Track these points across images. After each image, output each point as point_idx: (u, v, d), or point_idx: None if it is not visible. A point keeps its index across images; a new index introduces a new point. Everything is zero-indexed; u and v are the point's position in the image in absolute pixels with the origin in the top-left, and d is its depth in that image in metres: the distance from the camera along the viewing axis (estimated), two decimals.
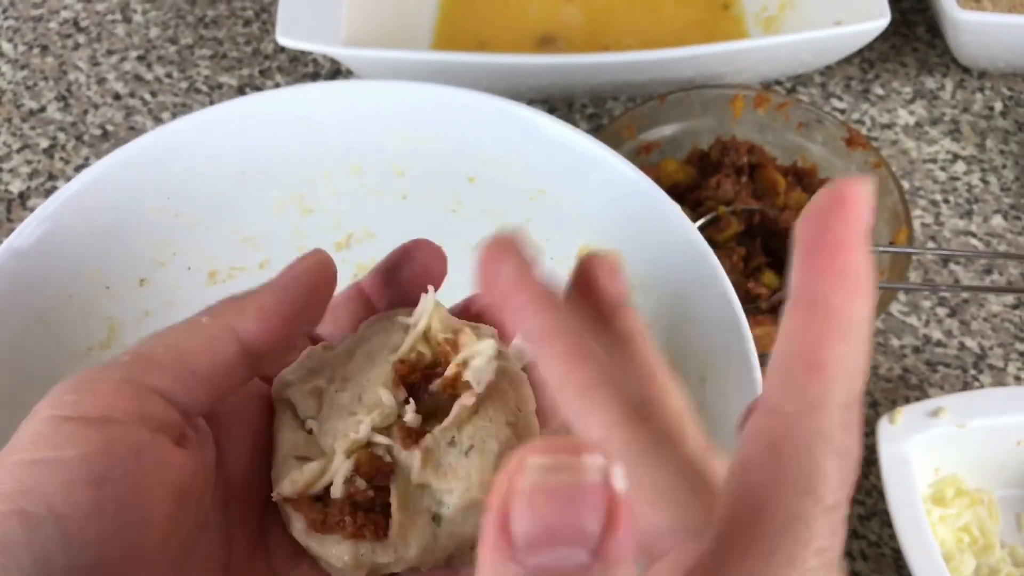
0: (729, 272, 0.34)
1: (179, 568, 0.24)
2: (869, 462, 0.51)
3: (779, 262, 0.53)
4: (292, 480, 0.26)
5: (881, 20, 0.59)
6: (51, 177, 0.61)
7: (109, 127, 0.64)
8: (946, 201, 0.61)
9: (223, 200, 0.40)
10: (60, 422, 0.22)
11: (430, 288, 0.27)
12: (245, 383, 0.26)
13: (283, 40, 0.57)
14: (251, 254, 0.42)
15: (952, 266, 0.58)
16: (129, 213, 0.37)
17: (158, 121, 0.64)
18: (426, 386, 0.27)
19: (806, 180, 0.56)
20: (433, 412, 0.26)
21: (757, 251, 0.54)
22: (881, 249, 0.52)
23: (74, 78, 0.66)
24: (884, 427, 0.46)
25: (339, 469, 0.26)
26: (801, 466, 0.17)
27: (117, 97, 0.65)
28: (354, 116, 0.39)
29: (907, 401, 0.53)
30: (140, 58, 0.68)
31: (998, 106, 0.65)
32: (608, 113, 0.65)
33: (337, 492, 0.25)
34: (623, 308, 0.24)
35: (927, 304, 0.56)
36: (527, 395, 0.28)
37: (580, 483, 0.14)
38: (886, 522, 0.49)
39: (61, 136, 0.63)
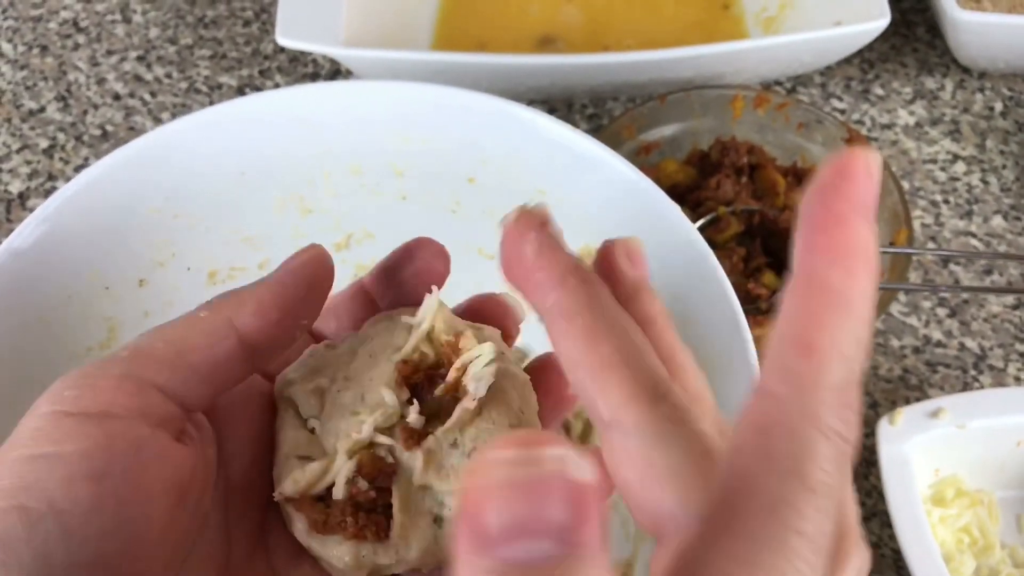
0: (729, 273, 0.34)
1: (179, 565, 0.24)
2: (869, 463, 0.51)
3: (779, 262, 0.53)
4: (294, 480, 0.26)
5: (881, 20, 0.59)
6: (51, 177, 0.61)
7: (109, 127, 0.64)
8: (946, 201, 0.61)
9: (223, 200, 0.40)
10: (60, 418, 0.22)
11: (434, 288, 0.27)
12: (244, 378, 0.26)
13: (283, 40, 0.57)
14: (251, 254, 0.41)
15: (952, 266, 0.58)
16: (129, 213, 0.37)
17: (158, 121, 0.64)
18: (429, 386, 0.27)
19: (806, 180, 0.56)
20: (436, 413, 0.26)
21: (757, 251, 0.54)
22: (881, 250, 0.51)
23: (74, 78, 0.66)
24: (884, 428, 0.46)
25: (341, 470, 0.25)
26: (788, 448, 0.17)
27: (117, 97, 0.65)
28: (354, 116, 0.39)
29: (907, 402, 0.52)
30: (140, 58, 0.68)
31: (998, 106, 0.65)
32: (608, 113, 0.65)
33: (339, 493, 0.25)
34: (642, 292, 0.24)
35: (927, 304, 0.56)
36: (530, 397, 0.28)
37: (541, 476, 0.14)
38: (886, 523, 0.49)
39: (61, 136, 0.63)
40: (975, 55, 0.64)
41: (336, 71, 0.67)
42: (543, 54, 0.64)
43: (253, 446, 0.27)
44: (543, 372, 0.29)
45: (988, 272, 0.58)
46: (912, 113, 0.65)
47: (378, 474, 0.26)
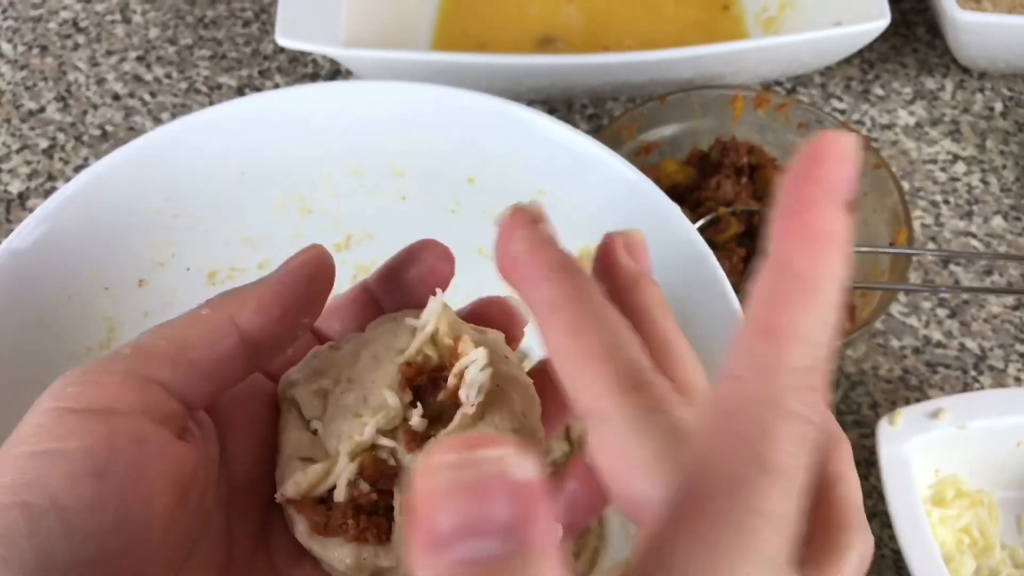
0: (729, 273, 0.34)
1: (180, 564, 0.24)
2: (869, 463, 0.51)
3: None
4: (296, 482, 0.26)
5: (881, 21, 0.58)
6: (50, 177, 0.61)
7: (108, 127, 0.64)
8: (946, 202, 0.61)
9: (222, 201, 0.40)
10: (63, 414, 0.22)
11: (438, 290, 0.27)
12: (246, 376, 0.26)
13: (282, 41, 0.57)
14: (250, 255, 0.41)
15: (952, 267, 0.58)
16: (128, 214, 0.37)
17: (157, 121, 0.64)
18: (432, 389, 0.27)
19: None
20: (439, 416, 0.26)
21: (757, 252, 0.54)
22: (881, 250, 0.51)
23: (73, 78, 0.66)
24: (884, 428, 0.46)
25: (343, 472, 0.25)
26: (749, 431, 0.17)
27: (116, 97, 0.65)
28: (353, 117, 0.39)
29: (907, 402, 0.52)
30: (139, 59, 0.68)
31: (998, 107, 0.65)
32: (608, 114, 0.65)
33: (340, 496, 0.25)
34: (640, 283, 0.24)
35: (927, 305, 0.56)
36: (533, 401, 0.27)
37: (482, 477, 0.14)
38: (886, 523, 0.49)
39: (60, 136, 0.63)
40: (975, 55, 0.64)
41: (336, 71, 0.67)
42: (543, 54, 0.64)
43: (256, 446, 0.27)
44: (547, 375, 0.29)
45: (988, 272, 0.58)
46: (912, 113, 0.65)
47: (380, 476, 0.26)
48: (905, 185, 0.61)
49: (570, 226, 0.40)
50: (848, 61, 0.66)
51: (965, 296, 0.56)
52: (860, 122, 0.64)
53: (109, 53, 0.68)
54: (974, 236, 0.59)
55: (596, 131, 0.62)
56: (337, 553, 0.25)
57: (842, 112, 0.65)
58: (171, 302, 0.39)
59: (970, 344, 0.55)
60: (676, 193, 0.56)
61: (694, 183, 0.57)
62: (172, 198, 0.38)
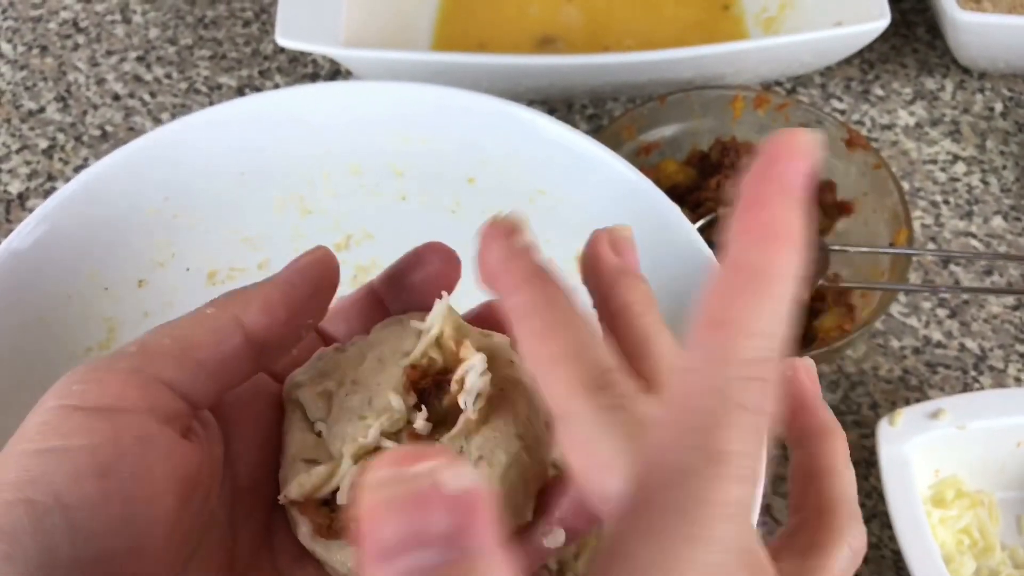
0: None
1: (183, 564, 0.24)
2: (869, 463, 0.51)
3: None
4: (299, 483, 0.26)
5: (881, 21, 0.58)
6: (50, 178, 0.61)
7: (108, 128, 0.64)
8: (946, 202, 0.61)
9: (222, 201, 0.40)
10: (68, 412, 0.22)
11: (444, 294, 0.27)
12: (250, 376, 0.26)
13: (282, 41, 0.57)
14: (250, 255, 0.41)
15: (952, 267, 0.58)
16: (128, 214, 0.37)
17: (157, 122, 0.64)
18: (437, 392, 0.27)
19: None
20: (443, 419, 0.26)
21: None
22: (881, 250, 0.51)
23: (73, 79, 0.66)
24: (884, 428, 0.46)
25: (346, 475, 0.25)
26: (698, 422, 0.17)
27: (116, 98, 0.65)
28: (353, 117, 0.39)
29: (907, 402, 0.52)
30: (139, 59, 0.68)
31: (998, 107, 0.65)
32: (608, 114, 0.65)
33: (343, 498, 0.25)
34: (622, 279, 0.24)
35: (927, 305, 0.56)
36: (538, 406, 0.27)
37: (416, 490, 0.15)
38: (886, 524, 0.49)
39: (60, 137, 0.63)
40: (975, 56, 0.64)
41: (336, 71, 0.67)
42: (543, 54, 0.64)
43: (260, 447, 0.27)
44: None
45: (988, 273, 0.58)
46: (912, 114, 0.65)
47: None
48: (905, 185, 0.61)
49: (570, 226, 0.40)
50: (848, 61, 0.66)
51: (965, 296, 0.56)
52: (860, 122, 0.64)
53: (109, 53, 0.68)
54: (974, 236, 0.59)
55: (596, 131, 0.62)
56: (340, 556, 0.25)
57: (842, 112, 0.65)
58: (171, 302, 0.39)
59: (970, 344, 0.55)
60: (676, 193, 0.56)
61: (694, 183, 0.57)
62: (172, 198, 0.38)
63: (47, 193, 0.61)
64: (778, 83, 0.66)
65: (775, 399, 0.18)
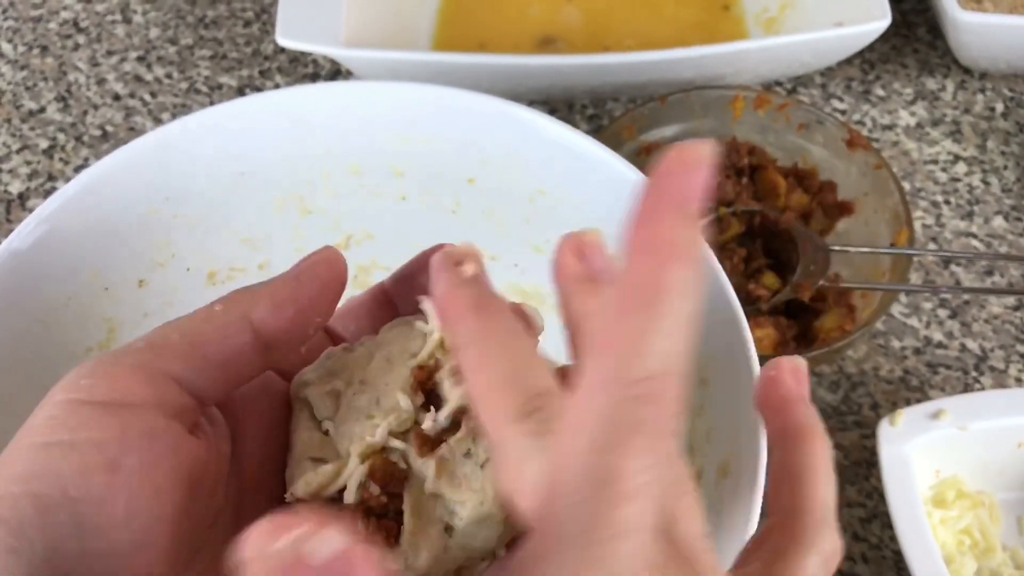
0: (730, 274, 0.34)
1: (189, 560, 0.24)
2: (870, 464, 0.51)
3: (780, 264, 0.53)
4: (306, 481, 0.26)
5: (882, 21, 0.58)
6: (50, 178, 0.61)
7: (109, 128, 0.64)
8: (947, 202, 0.61)
9: (222, 201, 0.39)
10: (75, 406, 0.22)
11: None
12: (258, 373, 0.26)
13: (283, 41, 0.57)
14: (250, 255, 0.41)
15: (953, 267, 0.58)
16: (128, 214, 0.37)
17: (158, 122, 0.64)
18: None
19: (807, 181, 0.56)
20: (451, 421, 0.26)
21: (758, 252, 0.54)
22: (882, 251, 0.51)
23: (74, 79, 0.66)
24: (885, 429, 0.46)
25: (353, 474, 0.25)
26: (587, 445, 0.17)
27: (117, 98, 0.65)
28: (354, 117, 0.39)
29: (908, 403, 0.52)
30: (140, 59, 0.68)
31: (999, 107, 0.65)
32: (608, 114, 0.65)
33: (350, 498, 0.25)
34: (580, 287, 0.24)
35: (928, 306, 0.56)
36: None
37: (283, 566, 0.15)
38: (887, 524, 0.49)
39: (61, 137, 0.63)
40: (976, 56, 0.64)
41: (336, 72, 0.67)
42: (543, 55, 0.64)
43: (267, 445, 0.27)
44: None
45: (989, 273, 0.58)
46: (913, 114, 0.65)
47: (390, 479, 0.25)
48: (906, 186, 0.61)
49: (570, 226, 0.40)
50: (849, 61, 0.66)
51: (966, 297, 0.56)
52: (861, 122, 0.64)
53: (109, 53, 0.68)
54: (975, 237, 0.59)
55: (596, 131, 0.62)
56: None
57: (843, 113, 0.65)
58: (171, 302, 0.39)
59: (971, 345, 0.55)
60: None
61: None
62: (172, 198, 0.38)
63: (47, 193, 0.61)
64: (779, 83, 0.66)
65: (676, 412, 0.18)
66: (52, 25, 0.70)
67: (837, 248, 0.51)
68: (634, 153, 0.57)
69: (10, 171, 0.62)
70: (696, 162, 0.18)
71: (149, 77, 0.67)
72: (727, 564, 0.25)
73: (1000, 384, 0.54)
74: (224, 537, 0.25)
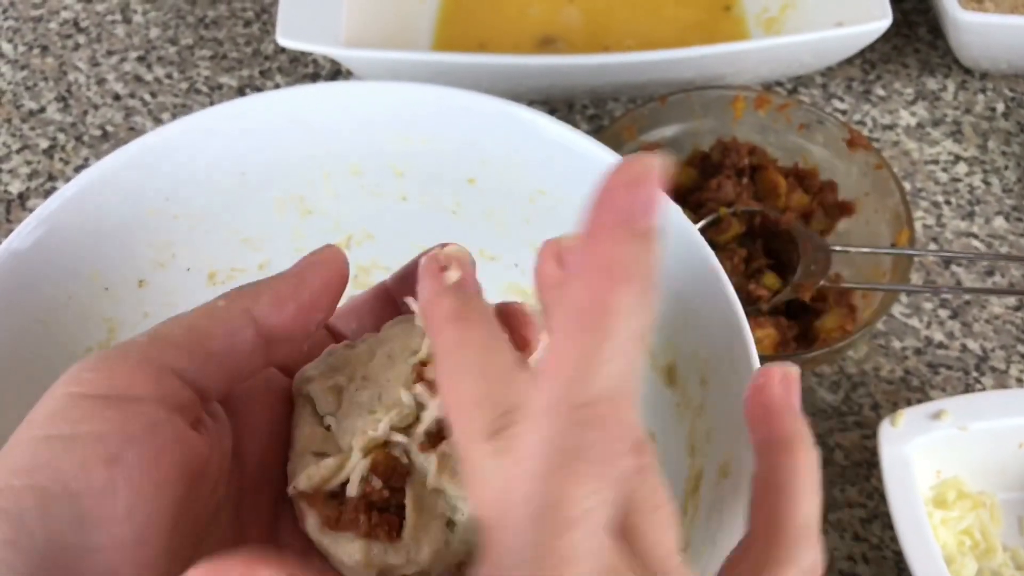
0: (730, 274, 0.34)
1: (189, 555, 0.24)
2: (870, 464, 0.51)
3: (780, 264, 0.53)
4: (309, 475, 0.26)
5: (883, 21, 0.58)
6: (51, 178, 0.61)
7: (109, 128, 0.64)
8: (948, 203, 0.61)
9: (223, 201, 0.39)
10: (77, 399, 0.22)
11: None
12: (260, 370, 0.26)
13: (283, 41, 0.57)
14: (251, 255, 0.41)
15: (954, 268, 0.58)
16: (129, 214, 0.37)
17: (158, 122, 0.64)
18: None
19: (807, 182, 0.56)
20: None
21: (758, 253, 0.54)
22: (883, 251, 0.51)
23: (74, 79, 0.66)
24: (885, 429, 0.46)
25: (356, 467, 0.25)
26: (531, 472, 0.17)
27: (117, 98, 0.65)
28: (354, 117, 0.39)
29: (908, 403, 0.52)
30: (140, 59, 0.68)
31: (1000, 107, 0.65)
32: (609, 114, 0.65)
33: (353, 490, 0.25)
34: (556, 293, 0.24)
35: (929, 306, 0.56)
36: None
37: None
38: (887, 525, 0.49)
39: (61, 137, 0.63)
40: (977, 56, 0.64)
41: (337, 72, 0.67)
42: (543, 55, 0.64)
43: (269, 441, 0.27)
44: None
45: (990, 273, 0.58)
46: (914, 114, 0.65)
47: (392, 474, 0.26)
48: (907, 186, 0.61)
49: (570, 226, 0.40)
50: (849, 61, 0.66)
51: (967, 297, 0.56)
52: (862, 123, 0.64)
53: (110, 53, 0.68)
54: (976, 237, 0.59)
55: (597, 131, 0.62)
56: (347, 548, 0.25)
57: (843, 113, 0.65)
58: (171, 303, 0.39)
59: (972, 345, 0.55)
60: (677, 194, 0.56)
61: (695, 184, 0.57)
62: (172, 198, 0.38)
63: (47, 193, 0.61)
64: (779, 83, 0.66)
65: (625, 434, 0.18)
66: (52, 25, 0.70)
67: (838, 248, 0.51)
68: (634, 153, 0.57)
69: (10, 171, 0.62)
70: (643, 176, 0.18)
71: (149, 77, 0.67)
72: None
73: (1001, 384, 0.54)
74: (225, 532, 0.25)
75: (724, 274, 0.34)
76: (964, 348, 0.55)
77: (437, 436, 0.26)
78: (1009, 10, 0.62)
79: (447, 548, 0.25)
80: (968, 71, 0.67)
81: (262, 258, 0.42)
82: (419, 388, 0.26)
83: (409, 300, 0.28)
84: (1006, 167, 0.62)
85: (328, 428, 0.27)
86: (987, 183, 0.62)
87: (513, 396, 0.21)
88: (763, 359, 0.33)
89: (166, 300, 0.39)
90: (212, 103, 0.65)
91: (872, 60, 0.67)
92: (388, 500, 0.26)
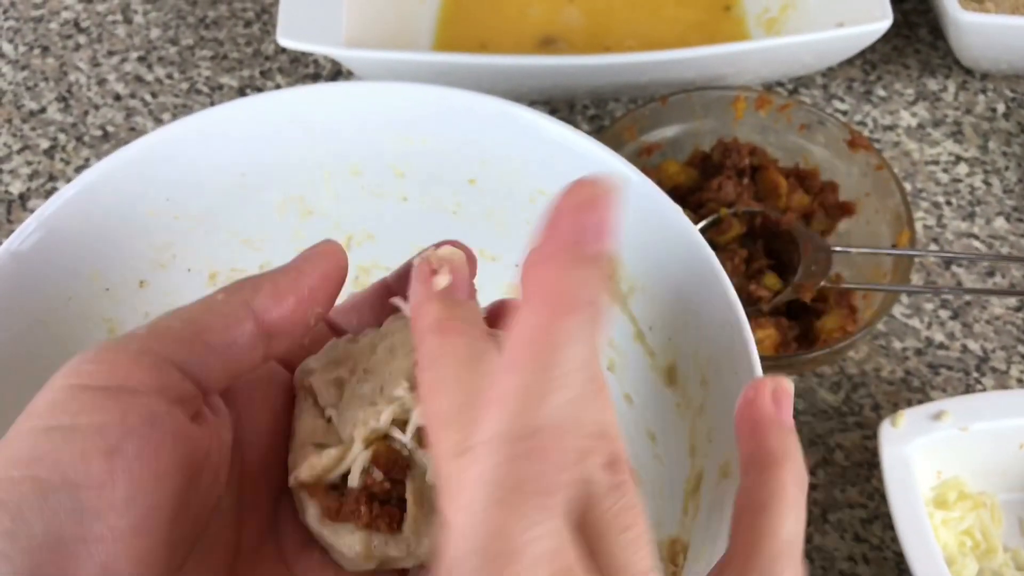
0: (731, 274, 0.34)
1: (190, 546, 0.24)
2: (871, 465, 0.51)
3: (781, 264, 0.53)
4: (310, 465, 0.26)
5: (883, 22, 0.58)
6: (51, 178, 0.61)
7: (110, 128, 0.64)
8: (948, 203, 0.61)
9: (223, 202, 0.39)
10: (77, 391, 0.22)
11: None
12: (260, 364, 0.26)
13: (284, 41, 0.57)
14: (251, 256, 0.41)
15: (954, 268, 0.58)
16: (129, 215, 0.37)
17: (159, 122, 0.64)
18: None
19: (808, 182, 0.56)
20: None
21: (759, 253, 0.54)
22: (884, 251, 0.51)
23: (75, 79, 0.66)
24: (886, 430, 0.46)
25: (358, 459, 0.26)
26: (470, 505, 0.17)
27: (118, 98, 0.65)
28: (354, 117, 0.39)
29: (909, 404, 0.52)
30: (141, 59, 0.68)
31: (1000, 108, 0.65)
32: (609, 114, 0.65)
33: (355, 482, 0.25)
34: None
35: (929, 306, 0.56)
36: None
37: None
38: (888, 525, 0.49)
39: (61, 137, 0.63)
40: (977, 56, 0.64)
41: (337, 72, 0.67)
42: (544, 55, 0.64)
43: (269, 433, 0.27)
44: None
45: (990, 274, 0.58)
46: (914, 114, 0.65)
47: (393, 466, 0.26)
48: (907, 186, 0.61)
49: None
50: (850, 62, 0.66)
51: (967, 297, 0.56)
52: (862, 123, 0.64)
53: (110, 53, 0.68)
54: (976, 237, 0.59)
55: (598, 132, 0.62)
56: (348, 540, 0.25)
57: (844, 113, 0.65)
58: (172, 303, 0.39)
59: (972, 346, 0.55)
60: (678, 194, 0.56)
61: (696, 184, 0.57)
62: (173, 199, 0.38)
63: (48, 194, 0.61)
64: (780, 84, 0.66)
65: (570, 462, 0.18)
66: (53, 25, 0.70)
67: (838, 249, 0.51)
68: (635, 154, 0.57)
69: (11, 171, 0.62)
70: (593, 199, 0.17)
71: (150, 77, 0.67)
72: None
73: (1002, 385, 0.54)
74: (225, 524, 0.25)
75: (725, 275, 0.34)
76: (965, 349, 0.55)
77: None
78: (1010, 11, 0.62)
79: None
80: (969, 72, 0.67)
81: (262, 259, 0.42)
82: None
83: (398, 302, 0.28)
84: (1007, 168, 0.62)
85: (329, 420, 0.27)
86: (988, 184, 0.62)
87: (479, 413, 0.21)
88: (764, 359, 0.33)
89: (166, 301, 0.39)
90: (213, 103, 0.65)
91: (873, 61, 0.67)
92: (389, 492, 0.26)
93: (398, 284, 0.30)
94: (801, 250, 0.51)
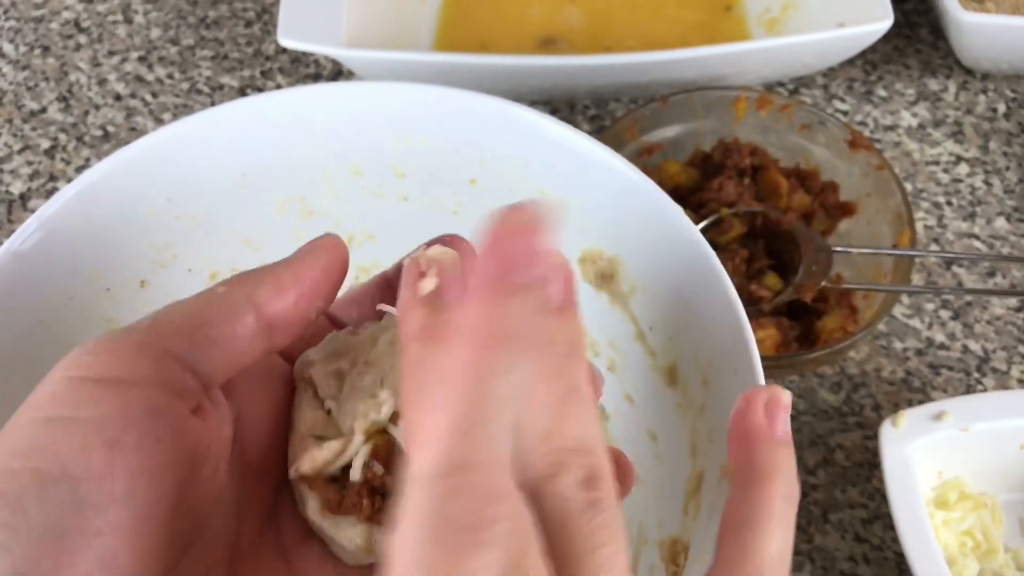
0: (732, 274, 0.34)
1: (189, 540, 0.24)
2: (872, 465, 0.51)
3: (782, 264, 0.53)
4: (311, 457, 0.26)
5: (884, 22, 0.58)
6: (52, 178, 0.61)
7: (110, 128, 0.64)
8: (949, 203, 0.61)
9: (224, 202, 0.39)
10: (77, 383, 0.22)
11: None
12: (262, 357, 0.26)
13: (284, 41, 0.57)
14: (252, 256, 0.41)
15: (955, 268, 0.58)
16: (130, 215, 0.37)
17: (159, 122, 0.64)
18: None
19: (809, 182, 0.56)
20: None
21: (760, 253, 0.54)
22: (884, 251, 0.51)
23: (75, 79, 0.66)
24: (887, 430, 0.46)
25: (359, 452, 0.25)
26: (405, 541, 0.17)
27: (118, 98, 0.65)
28: (355, 117, 0.39)
29: (910, 404, 0.52)
30: (141, 59, 0.68)
31: (1001, 108, 0.65)
32: (610, 114, 0.65)
33: (356, 475, 0.25)
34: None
35: (930, 307, 0.56)
36: None
37: None
38: (889, 526, 0.49)
39: (62, 137, 0.63)
40: (978, 56, 0.64)
41: (338, 72, 0.67)
42: (545, 55, 0.64)
43: (270, 427, 0.27)
44: None
45: (991, 274, 0.58)
46: (915, 115, 0.65)
47: (392, 459, 0.26)
48: (908, 186, 0.61)
49: (571, 228, 0.40)
50: (851, 62, 0.66)
51: (968, 298, 0.56)
52: (863, 123, 0.64)
53: (111, 53, 0.68)
54: (977, 238, 0.59)
55: (598, 132, 0.62)
56: (348, 532, 0.25)
57: (845, 113, 0.65)
58: None
59: (973, 346, 0.55)
60: (679, 194, 0.56)
61: (696, 184, 0.57)
62: (174, 199, 0.38)
63: (49, 194, 0.61)
64: (781, 84, 0.66)
65: (498, 495, 0.17)
66: (53, 25, 0.70)
67: (839, 249, 0.51)
68: (636, 154, 0.57)
69: (11, 171, 0.62)
70: (523, 227, 0.17)
71: (150, 77, 0.67)
72: None
73: (1002, 385, 0.53)
74: (225, 517, 0.25)
75: (725, 275, 0.34)
76: (965, 349, 0.55)
77: None
78: (1010, 11, 0.62)
79: None
80: (969, 72, 0.67)
81: (263, 259, 0.41)
82: None
83: (385, 307, 0.28)
84: (1007, 168, 0.62)
85: (329, 412, 0.27)
86: (988, 184, 0.61)
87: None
88: (765, 360, 0.33)
89: (167, 301, 0.39)
90: (213, 103, 0.65)
91: (873, 61, 0.67)
92: (389, 486, 0.26)
93: (398, 278, 0.30)
94: (802, 250, 0.51)
